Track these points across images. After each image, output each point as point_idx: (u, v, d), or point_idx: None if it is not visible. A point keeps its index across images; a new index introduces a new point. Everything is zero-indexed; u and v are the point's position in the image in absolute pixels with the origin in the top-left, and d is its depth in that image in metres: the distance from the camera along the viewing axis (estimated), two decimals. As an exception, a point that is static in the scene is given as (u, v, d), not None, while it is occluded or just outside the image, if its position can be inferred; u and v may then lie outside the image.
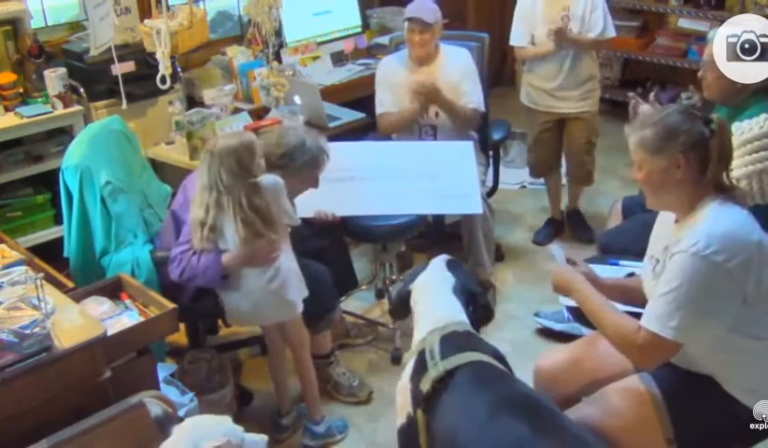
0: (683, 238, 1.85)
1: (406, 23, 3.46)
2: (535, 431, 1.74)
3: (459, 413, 1.87)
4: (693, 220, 1.89)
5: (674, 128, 1.89)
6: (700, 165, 1.88)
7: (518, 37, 3.82)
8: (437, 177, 2.95)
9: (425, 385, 1.92)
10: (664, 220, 2.08)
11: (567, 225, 4.17)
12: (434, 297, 2.17)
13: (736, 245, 1.80)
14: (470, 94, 3.50)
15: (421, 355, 2.00)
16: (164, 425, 1.78)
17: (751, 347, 1.91)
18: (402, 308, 2.27)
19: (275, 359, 2.76)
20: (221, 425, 1.75)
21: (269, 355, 2.78)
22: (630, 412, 1.99)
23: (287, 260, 2.52)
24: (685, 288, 1.81)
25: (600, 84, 3.94)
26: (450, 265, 2.25)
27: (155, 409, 1.79)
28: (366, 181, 3.00)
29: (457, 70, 3.50)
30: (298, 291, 2.56)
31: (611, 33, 3.73)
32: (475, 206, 2.92)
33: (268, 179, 2.42)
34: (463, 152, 3.06)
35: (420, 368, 1.98)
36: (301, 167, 2.62)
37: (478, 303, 2.19)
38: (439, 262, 2.27)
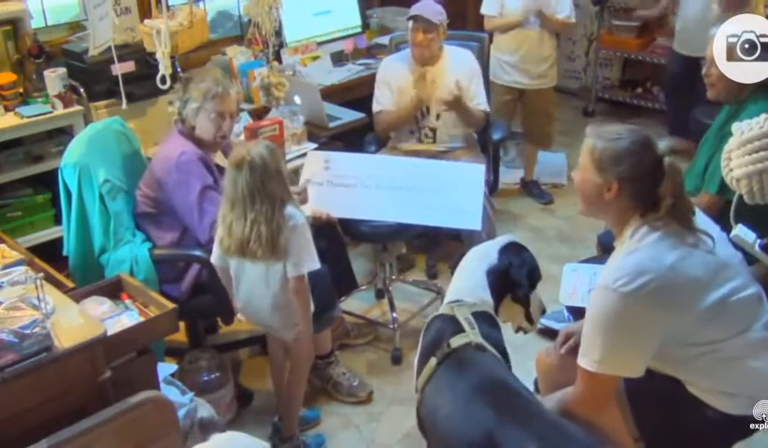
0: (605, 272, 1.88)
1: (410, 22, 3.45)
2: (503, 417, 1.76)
3: (446, 391, 1.90)
4: (617, 252, 1.92)
5: (621, 154, 1.87)
6: (631, 196, 1.89)
7: (489, 6, 4.21)
8: (441, 192, 2.93)
9: (458, 342, 1.94)
10: None
11: (527, 193, 4.60)
12: (470, 270, 2.17)
13: (646, 274, 1.80)
14: (479, 96, 3.50)
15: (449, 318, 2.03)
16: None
17: (703, 352, 1.89)
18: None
19: (275, 367, 2.72)
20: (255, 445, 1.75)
21: (270, 363, 2.75)
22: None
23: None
24: (599, 321, 1.83)
25: (557, 62, 4.42)
26: (507, 249, 2.20)
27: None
28: (369, 189, 3.01)
29: (462, 71, 3.49)
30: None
31: (574, 18, 4.22)
32: (474, 223, 2.90)
33: (292, 212, 2.38)
34: (473, 174, 3.06)
35: (452, 327, 1.99)
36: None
37: (516, 294, 2.18)
38: (498, 241, 2.23)
